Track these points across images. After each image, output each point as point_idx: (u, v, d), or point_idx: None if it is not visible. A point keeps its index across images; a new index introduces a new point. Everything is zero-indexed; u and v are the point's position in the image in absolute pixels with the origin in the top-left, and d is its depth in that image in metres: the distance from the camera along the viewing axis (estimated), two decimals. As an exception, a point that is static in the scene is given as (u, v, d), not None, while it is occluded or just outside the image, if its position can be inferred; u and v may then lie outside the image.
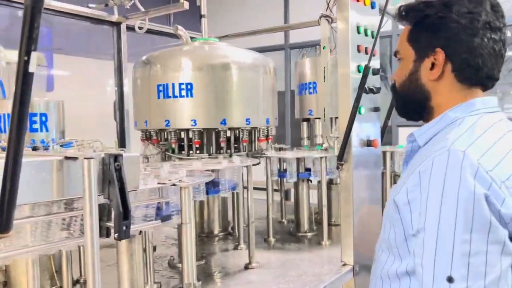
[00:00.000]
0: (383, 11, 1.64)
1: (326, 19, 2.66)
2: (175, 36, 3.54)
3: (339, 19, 1.79)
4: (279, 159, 2.62)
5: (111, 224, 1.24)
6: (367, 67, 1.69)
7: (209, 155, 2.57)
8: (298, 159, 2.58)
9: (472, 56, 0.92)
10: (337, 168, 1.79)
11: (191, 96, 2.47)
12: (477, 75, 0.95)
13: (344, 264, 1.87)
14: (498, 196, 0.78)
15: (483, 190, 0.78)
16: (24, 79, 0.67)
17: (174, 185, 1.51)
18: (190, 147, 2.58)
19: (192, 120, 2.49)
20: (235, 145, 2.61)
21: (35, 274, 1.28)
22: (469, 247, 0.76)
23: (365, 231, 1.93)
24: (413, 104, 1.05)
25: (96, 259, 1.13)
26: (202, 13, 2.94)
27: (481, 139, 0.86)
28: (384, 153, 2.77)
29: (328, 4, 2.68)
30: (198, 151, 2.58)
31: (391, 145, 3.52)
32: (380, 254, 1.08)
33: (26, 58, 0.64)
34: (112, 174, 1.20)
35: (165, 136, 2.61)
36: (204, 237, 2.77)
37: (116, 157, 1.21)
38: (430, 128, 1.02)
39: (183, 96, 2.48)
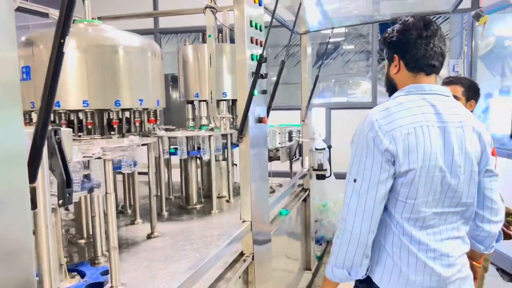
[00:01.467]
0: (272, 13, 1.99)
1: (211, 10, 2.91)
2: (44, 15, 3.41)
3: (237, 11, 2.06)
4: (169, 138, 2.80)
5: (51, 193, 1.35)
6: (262, 56, 2.01)
7: (105, 136, 2.63)
8: (187, 138, 2.81)
9: (411, 55, 1.53)
10: (238, 141, 2.08)
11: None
12: (417, 65, 1.54)
13: (244, 221, 2.19)
14: (378, 138, 1.42)
15: (371, 135, 1.44)
16: (57, 58, 0.79)
17: (99, 158, 1.63)
18: (80, 128, 2.61)
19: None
20: (126, 126, 2.71)
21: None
22: (364, 165, 1.44)
23: (256, 203, 2.27)
24: (391, 90, 1.65)
25: (50, 229, 1.24)
26: (86, -6, 2.92)
27: (388, 109, 1.47)
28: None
29: (212, -4, 2.93)
30: (86, 133, 2.62)
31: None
32: None
33: (62, 40, 0.75)
34: (54, 147, 1.31)
35: (76, 118, 2.58)
36: (94, 216, 2.80)
37: (56, 131, 1.33)
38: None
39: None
